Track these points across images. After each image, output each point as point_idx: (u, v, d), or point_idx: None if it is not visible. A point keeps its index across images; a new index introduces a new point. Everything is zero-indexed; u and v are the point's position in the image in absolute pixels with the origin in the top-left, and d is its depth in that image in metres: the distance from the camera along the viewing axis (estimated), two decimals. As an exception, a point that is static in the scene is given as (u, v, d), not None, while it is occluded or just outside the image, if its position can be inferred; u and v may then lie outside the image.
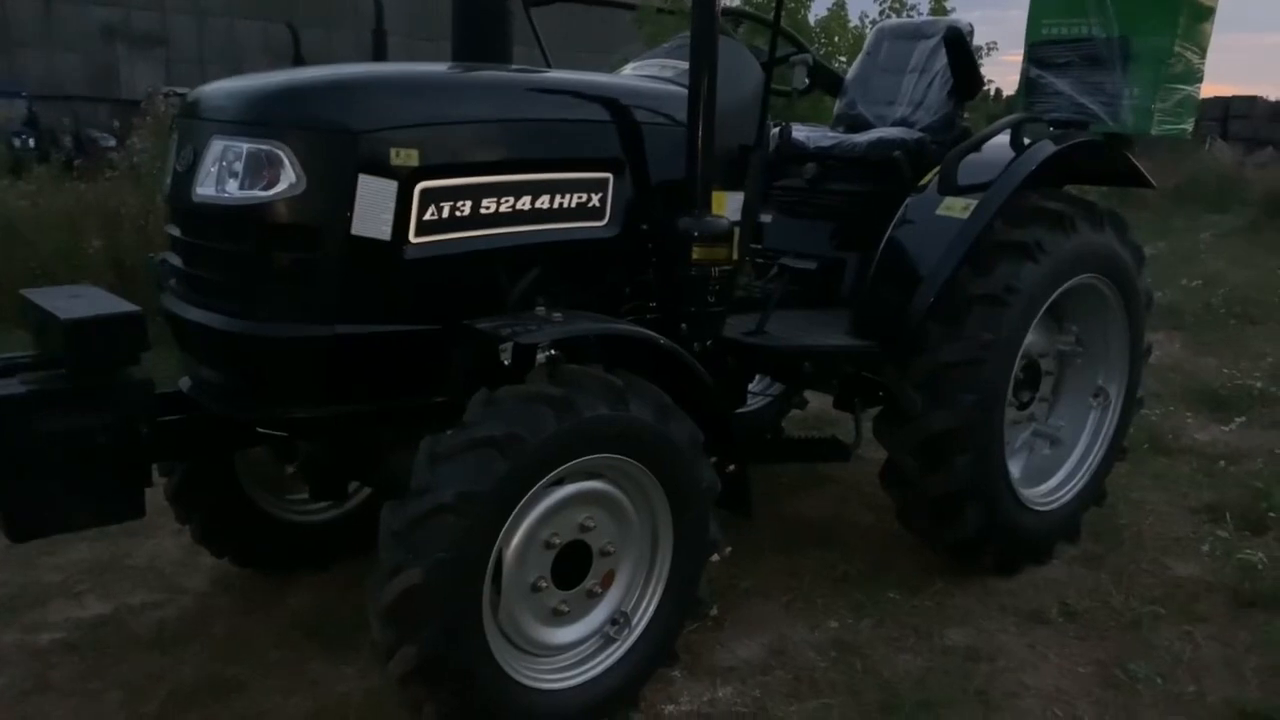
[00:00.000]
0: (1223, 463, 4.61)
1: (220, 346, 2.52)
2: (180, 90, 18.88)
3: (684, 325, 2.93)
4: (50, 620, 3.21)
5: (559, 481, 2.41)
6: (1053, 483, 3.73)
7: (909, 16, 14.58)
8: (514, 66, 3.01)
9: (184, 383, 2.75)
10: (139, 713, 2.74)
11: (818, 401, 4.62)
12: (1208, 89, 3.71)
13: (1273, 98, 24.22)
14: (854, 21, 14.20)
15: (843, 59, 13.20)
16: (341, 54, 22.41)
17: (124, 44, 25.16)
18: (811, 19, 14.09)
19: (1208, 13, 3.59)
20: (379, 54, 5.51)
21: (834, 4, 13.89)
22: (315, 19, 23.43)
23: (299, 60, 6.71)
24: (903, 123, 3.96)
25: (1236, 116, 22.98)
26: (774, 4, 3.03)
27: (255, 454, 3.25)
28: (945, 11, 14.66)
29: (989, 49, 14.25)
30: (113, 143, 18.85)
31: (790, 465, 4.34)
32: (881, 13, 14.50)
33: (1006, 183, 3.30)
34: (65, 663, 2.97)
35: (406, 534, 2.20)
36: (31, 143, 18.82)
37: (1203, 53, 3.64)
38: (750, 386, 4.21)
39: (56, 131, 20.82)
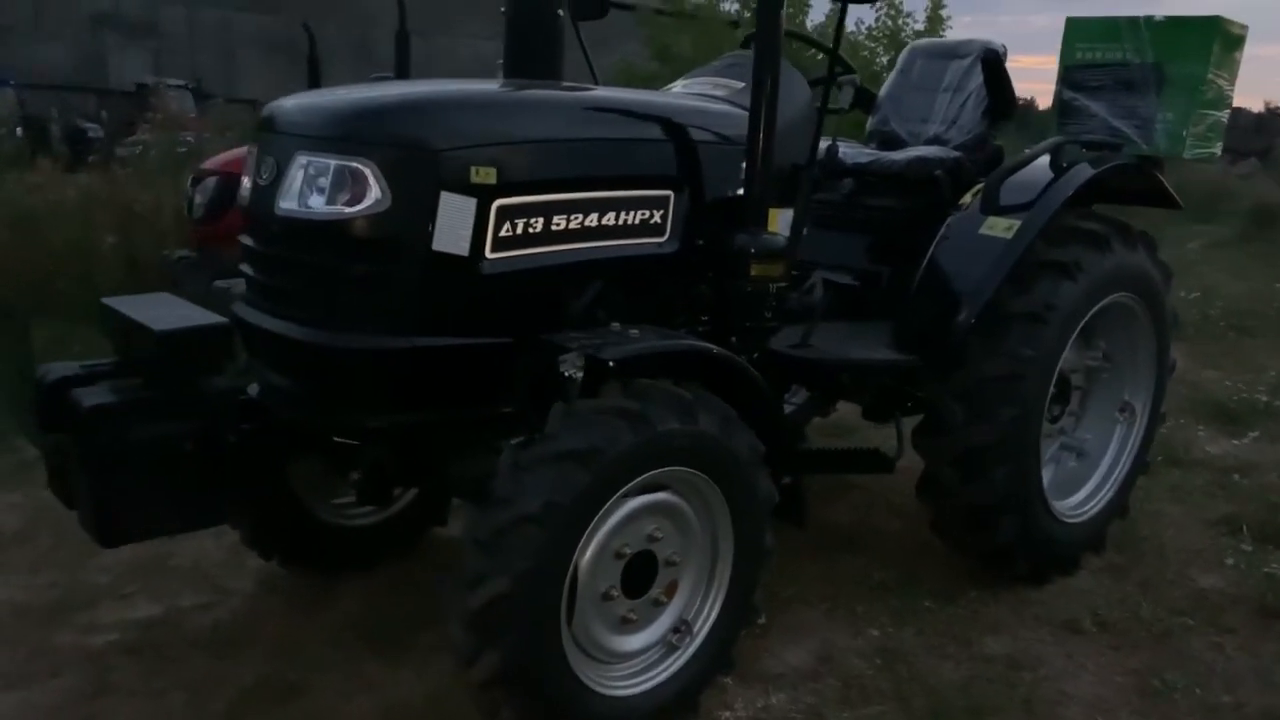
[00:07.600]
0: (1236, 475, 4.70)
1: (298, 356, 2.57)
2: (172, 82, 18.74)
3: (734, 338, 2.99)
4: (103, 621, 3.24)
5: (629, 493, 2.47)
6: (1081, 495, 3.81)
7: (903, 24, 14.79)
8: (579, 85, 3.07)
9: (252, 389, 2.79)
10: (206, 712, 2.78)
11: (842, 409, 4.69)
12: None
13: (1255, 109, 24.55)
14: (849, 28, 14.28)
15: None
16: (333, 49, 22.24)
17: (114, 33, 24.91)
18: (809, 26, 14.19)
19: (1238, 41, 3.70)
20: (402, 55, 5.53)
21: (830, 11, 14.00)
22: (308, 12, 23.24)
23: (314, 59, 6.73)
24: (936, 140, 4.04)
25: (1220, 127, 23.24)
26: (835, 27, 3.10)
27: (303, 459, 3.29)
28: (941, 20, 14.84)
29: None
30: (101, 133, 18.69)
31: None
32: (877, 19, 14.69)
33: (1048, 203, 3.38)
34: (125, 664, 3.01)
35: (492, 543, 2.26)
36: (19, 131, 18.61)
37: (1232, 79, 3.74)
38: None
39: (45, 121, 20.59)
